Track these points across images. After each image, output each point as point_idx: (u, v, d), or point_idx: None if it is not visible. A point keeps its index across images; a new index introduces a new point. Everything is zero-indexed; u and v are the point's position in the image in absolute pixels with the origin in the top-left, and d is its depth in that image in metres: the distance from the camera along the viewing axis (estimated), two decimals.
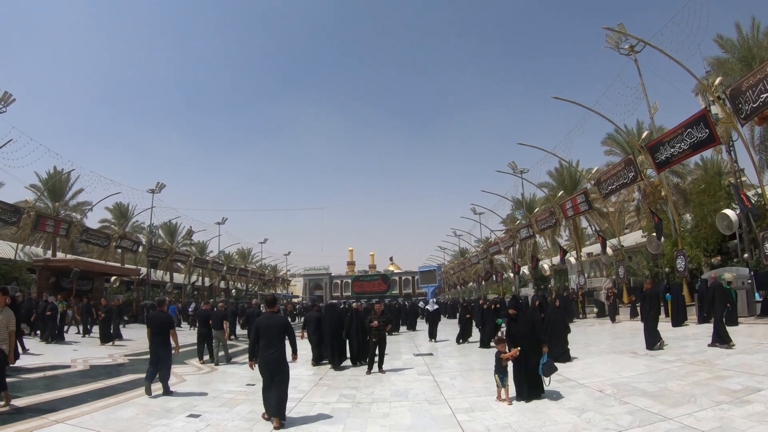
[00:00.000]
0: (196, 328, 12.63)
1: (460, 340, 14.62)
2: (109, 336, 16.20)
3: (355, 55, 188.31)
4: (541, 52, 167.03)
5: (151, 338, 7.74)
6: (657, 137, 18.64)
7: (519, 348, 6.41)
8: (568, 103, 21.68)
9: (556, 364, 6.99)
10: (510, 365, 6.60)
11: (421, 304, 19.87)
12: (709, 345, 10.21)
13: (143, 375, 9.72)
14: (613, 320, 17.59)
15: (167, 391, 7.77)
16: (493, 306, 14.00)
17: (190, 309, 30.01)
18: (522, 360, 6.35)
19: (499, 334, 10.38)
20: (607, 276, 24.74)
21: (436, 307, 18.39)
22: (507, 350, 6.58)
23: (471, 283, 57.18)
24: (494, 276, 43.46)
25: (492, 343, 11.09)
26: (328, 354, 11.27)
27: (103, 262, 34.58)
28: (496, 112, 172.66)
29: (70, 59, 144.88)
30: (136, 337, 18.59)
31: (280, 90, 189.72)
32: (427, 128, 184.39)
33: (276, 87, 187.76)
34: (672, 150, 17.50)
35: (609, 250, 24.25)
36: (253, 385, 8.52)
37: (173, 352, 8.03)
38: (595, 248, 32.34)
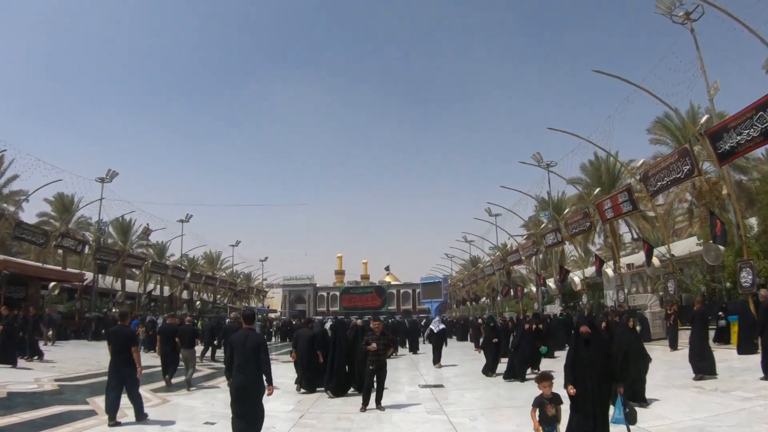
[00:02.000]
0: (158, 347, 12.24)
1: (490, 373, 13.68)
2: (7, 356, 14.51)
3: (349, 24, 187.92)
4: (572, 23, 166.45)
5: (113, 357, 7.88)
6: (719, 122, 18.01)
7: (574, 387, 5.48)
8: (604, 86, 21.12)
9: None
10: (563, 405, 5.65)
11: (432, 324, 19.38)
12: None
13: (74, 407, 9.08)
14: (673, 346, 16.90)
15: (141, 415, 7.87)
16: (534, 326, 13.27)
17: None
18: (591, 401, 5.44)
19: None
20: (653, 292, 24.11)
21: (442, 327, 18.32)
22: (550, 392, 5.56)
23: (484, 299, 56.58)
24: (512, 290, 42.80)
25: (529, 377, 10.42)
26: (329, 381, 10.92)
27: (39, 264, 33.70)
28: (519, 95, 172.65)
29: (3, 23, 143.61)
30: (68, 357, 17.83)
31: (258, 65, 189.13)
32: (435, 113, 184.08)
33: (253, 61, 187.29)
34: (738, 138, 16.85)
35: (655, 261, 23.63)
36: (213, 423, 7.79)
37: (137, 374, 8.03)
38: (635, 258, 31.72)
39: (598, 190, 28.33)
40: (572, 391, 5.54)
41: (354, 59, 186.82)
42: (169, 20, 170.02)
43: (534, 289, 40.61)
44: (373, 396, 9.17)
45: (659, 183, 21.15)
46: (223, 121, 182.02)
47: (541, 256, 40.82)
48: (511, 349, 12.91)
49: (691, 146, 19.61)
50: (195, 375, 12.60)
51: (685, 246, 25.15)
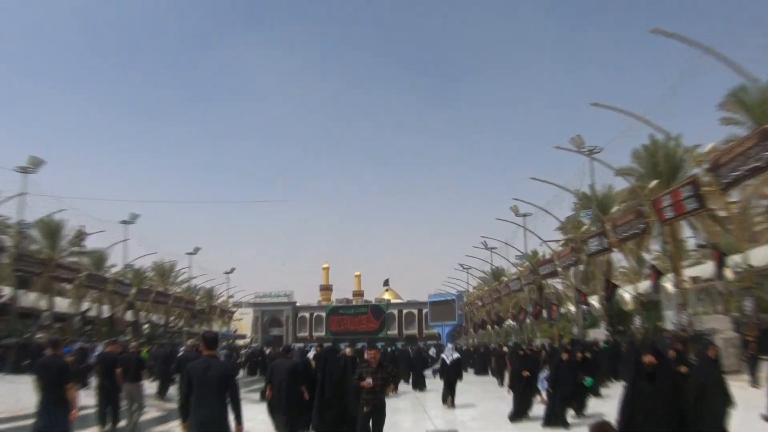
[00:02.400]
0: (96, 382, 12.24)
1: (517, 417, 13.41)
2: None
3: None
4: None
5: (42, 395, 7.86)
6: None
7: None
8: (663, 52, 20.90)
9: None
10: None
11: (444, 353, 19.40)
12: None
13: None
14: (754, 380, 16.76)
15: None
16: (580, 356, 12.99)
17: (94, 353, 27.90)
18: None
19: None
20: (725, 312, 23.87)
21: (456, 356, 18.59)
22: None
23: (509, 321, 56.15)
24: (546, 311, 42.41)
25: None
26: (319, 420, 10.81)
27: None
28: (554, 63, 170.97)
29: None
30: None
31: (228, 27, 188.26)
32: (449, 89, 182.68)
33: (222, 22, 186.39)
34: None
35: (728, 273, 23.41)
36: None
37: (71, 417, 7.95)
38: (700, 270, 31.34)
39: (654, 182, 28.06)
40: None
41: (354, 24, 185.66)
42: None
43: (572, 308, 40.30)
44: None
45: (733, 174, 20.96)
46: (182, 96, 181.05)
47: (581, 267, 40.10)
48: (547, 388, 12.64)
49: None
50: (142, 418, 12.47)
51: (766, 254, 24.94)
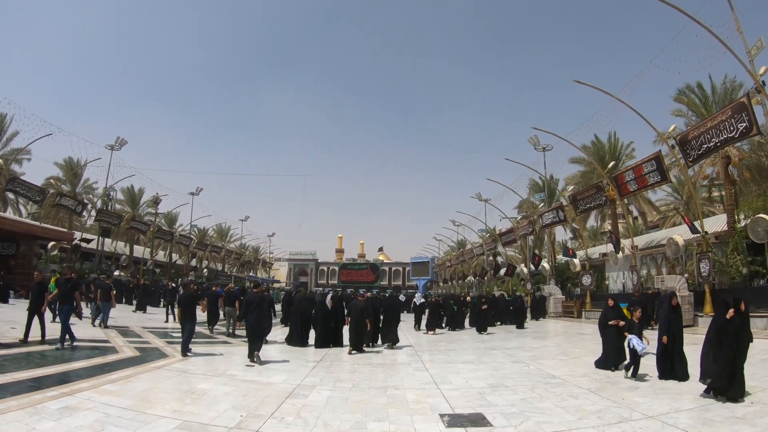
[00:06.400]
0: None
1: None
2: None
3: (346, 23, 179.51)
4: None
5: (182, 312, 9.40)
6: None
7: None
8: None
9: None
10: None
11: (415, 298, 17.39)
12: None
13: None
14: None
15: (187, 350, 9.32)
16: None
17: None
18: None
19: None
20: (681, 273, 18.46)
21: (422, 300, 19.72)
22: None
23: (470, 278, 51.05)
24: (503, 269, 37.00)
25: None
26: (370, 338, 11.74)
27: (28, 221, 27.85)
28: (540, 41, 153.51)
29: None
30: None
31: (260, 71, 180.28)
32: (439, 101, 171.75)
33: (255, 69, 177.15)
34: None
35: (679, 240, 18.02)
36: None
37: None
38: (641, 240, 25.85)
39: (612, 163, 22.59)
40: None
41: (350, 64, 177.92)
42: (189, 33, 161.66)
43: (524, 269, 34.99)
44: None
45: (705, 146, 15.41)
46: (232, 109, 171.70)
47: (530, 239, 35.50)
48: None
49: (749, 100, 13.94)
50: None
51: (716, 222, 19.50)
